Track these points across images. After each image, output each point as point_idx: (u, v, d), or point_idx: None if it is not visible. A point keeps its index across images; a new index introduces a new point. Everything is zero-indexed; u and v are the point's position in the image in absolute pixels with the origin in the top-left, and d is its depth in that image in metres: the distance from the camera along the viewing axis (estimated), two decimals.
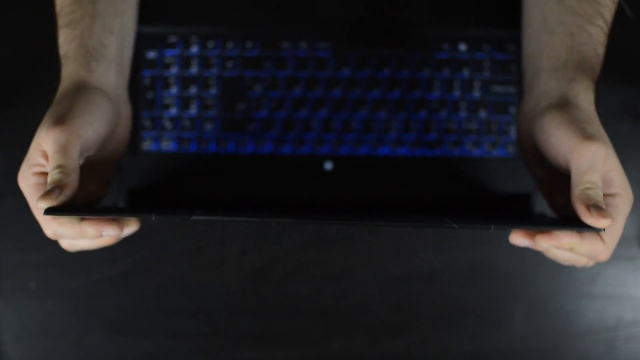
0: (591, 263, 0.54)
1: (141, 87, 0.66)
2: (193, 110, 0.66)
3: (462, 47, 0.67)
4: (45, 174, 0.54)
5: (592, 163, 0.50)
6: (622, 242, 0.70)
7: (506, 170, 0.67)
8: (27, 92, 0.73)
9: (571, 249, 0.52)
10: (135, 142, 0.67)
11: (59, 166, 0.52)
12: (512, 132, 0.67)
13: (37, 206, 0.52)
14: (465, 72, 0.67)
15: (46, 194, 0.51)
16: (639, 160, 0.71)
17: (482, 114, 0.67)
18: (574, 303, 0.69)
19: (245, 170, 0.67)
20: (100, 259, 0.70)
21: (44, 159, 0.54)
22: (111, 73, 0.58)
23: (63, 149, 0.53)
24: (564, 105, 0.53)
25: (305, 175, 0.68)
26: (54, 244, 0.71)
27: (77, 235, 0.54)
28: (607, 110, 0.72)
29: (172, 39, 0.66)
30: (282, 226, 0.69)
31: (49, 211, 0.50)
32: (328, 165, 0.67)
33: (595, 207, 0.49)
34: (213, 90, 0.66)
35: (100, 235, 0.55)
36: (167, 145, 0.67)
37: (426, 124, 0.67)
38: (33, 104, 0.73)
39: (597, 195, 0.50)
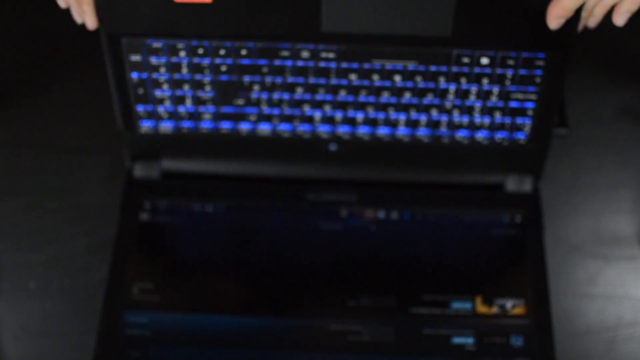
0: None
1: (130, 86, 0.64)
2: (188, 104, 0.65)
3: (485, 60, 0.62)
4: None
5: None
6: (622, 242, 0.70)
7: (512, 154, 0.67)
8: (27, 92, 0.73)
9: None
10: (130, 122, 0.66)
11: None
12: (527, 128, 0.66)
13: None
14: (485, 83, 0.63)
15: None
16: (639, 160, 0.71)
17: (498, 118, 0.65)
18: (574, 303, 0.69)
19: (244, 147, 0.67)
20: (100, 259, 0.70)
21: None
22: None
23: None
24: None
25: (308, 154, 0.68)
26: (54, 244, 0.71)
27: None
28: (607, 110, 0.72)
29: (156, 45, 0.62)
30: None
31: None
32: (332, 147, 0.67)
33: None
34: (208, 91, 0.65)
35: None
36: (165, 129, 0.67)
37: (436, 123, 0.66)
38: (33, 104, 0.73)
39: None
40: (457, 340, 0.63)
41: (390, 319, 0.64)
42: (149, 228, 0.68)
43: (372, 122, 0.66)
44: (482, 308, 0.65)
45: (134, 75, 0.63)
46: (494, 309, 0.64)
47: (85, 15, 0.58)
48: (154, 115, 0.66)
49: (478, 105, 0.64)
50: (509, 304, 0.65)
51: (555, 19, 0.56)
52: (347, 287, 0.65)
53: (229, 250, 0.67)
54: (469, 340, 0.63)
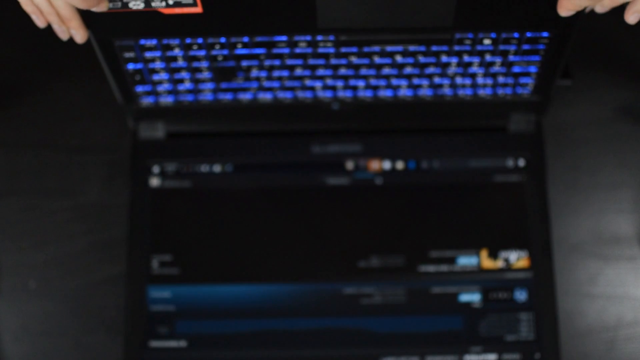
0: None
1: (127, 75, 0.63)
2: (187, 84, 0.65)
3: (487, 41, 0.61)
4: None
5: None
6: (622, 242, 0.70)
7: (514, 103, 0.67)
8: (27, 92, 0.73)
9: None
10: (130, 98, 0.66)
11: None
12: (530, 86, 0.65)
13: None
14: (488, 56, 0.62)
15: None
16: (639, 160, 0.71)
17: (501, 79, 0.65)
18: (574, 303, 0.69)
19: (246, 112, 0.67)
20: (100, 259, 0.70)
21: None
22: None
23: None
24: None
25: (311, 113, 0.68)
26: (54, 244, 0.71)
27: None
28: (607, 110, 0.72)
29: (149, 43, 0.60)
30: None
31: None
32: (335, 106, 0.67)
33: None
34: (206, 73, 0.64)
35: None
36: (166, 103, 0.67)
37: (438, 85, 0.65)
38: (33, 104, 0.73)
39: None
40: (464, 297, 0.66)
41: (400, 279, 0.66)
42: (160, 195, 0.68)
43: (373, 88, 0.66)
44: (487, 262, 0.67)
45: (130, 66, 0.62)
46: (499, 263, 0.66)
47: (73, 30, 0.57)
48: (153, 92, 0.65)
49: (481, 72, 0.64)
50: (513, 256, 0.67)
51: (565, 10, 0.56)
52: (358, 247, 0.67)
53: (240, 214, 0.68)
54: (475, 297, 0.66)
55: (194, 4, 0.55)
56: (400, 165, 0.69)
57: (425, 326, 0.66)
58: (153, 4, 0.55)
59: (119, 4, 0.54)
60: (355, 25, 0.58)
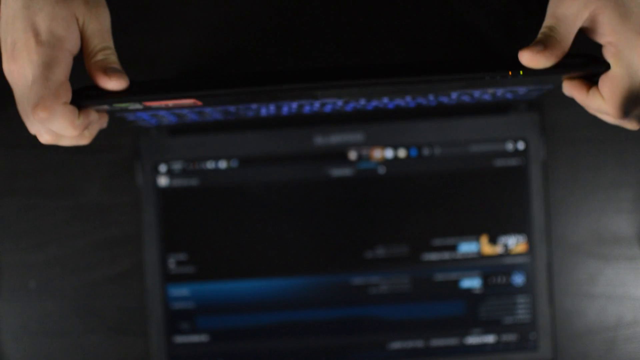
0: (617, 121, 0.53)
1: (127, 122, 0.63)
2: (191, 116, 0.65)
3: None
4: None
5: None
6: (622, 242, 0.70)
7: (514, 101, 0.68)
8: None
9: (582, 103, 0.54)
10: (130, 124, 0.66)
11: (110, 47, 0.51)
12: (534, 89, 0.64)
13: (105, 85, 0.50)
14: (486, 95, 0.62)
15: (117, 74, 0.50)
16: (639, 160, 0.71)
17: (499, 91, 0.63)
18: (574, 303, 0.69)
19: (247, 122, 0.68)
20: (100, 259, 0.70)
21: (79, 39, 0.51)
22: None
23: (108, 30, 0.51)
24: None
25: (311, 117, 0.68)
26: (54, 243, 0.71)
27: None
28: None
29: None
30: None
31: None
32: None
33: None
34: (208, 117, 0.64)
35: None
36: (167, 124, 0.67)
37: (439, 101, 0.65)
38: None
39: None
40: (466, 283, 0.69)
41: (404, 268, 0.69)
42: (170, 194, 0.69)
43: (375, 106, 0.66)
44: (487, 248, 0.69)
45: (130, 117, 0.61)
46: (498, 249, 0.69)
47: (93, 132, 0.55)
48: (154, 120, 0.65)
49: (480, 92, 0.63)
50: (511, 241, 0.69)
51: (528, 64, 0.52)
52: (364, 238, 0.69)
53: (248, 209, 0.69)
54: (476, 283, 0.69)
55: (193, 102, 0.54)
56: (402, 153, 0.69)
57: (430, 312, 0.69)
58: (152, 107, 0.54)
59: (117, 108, 0.53)
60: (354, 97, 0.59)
